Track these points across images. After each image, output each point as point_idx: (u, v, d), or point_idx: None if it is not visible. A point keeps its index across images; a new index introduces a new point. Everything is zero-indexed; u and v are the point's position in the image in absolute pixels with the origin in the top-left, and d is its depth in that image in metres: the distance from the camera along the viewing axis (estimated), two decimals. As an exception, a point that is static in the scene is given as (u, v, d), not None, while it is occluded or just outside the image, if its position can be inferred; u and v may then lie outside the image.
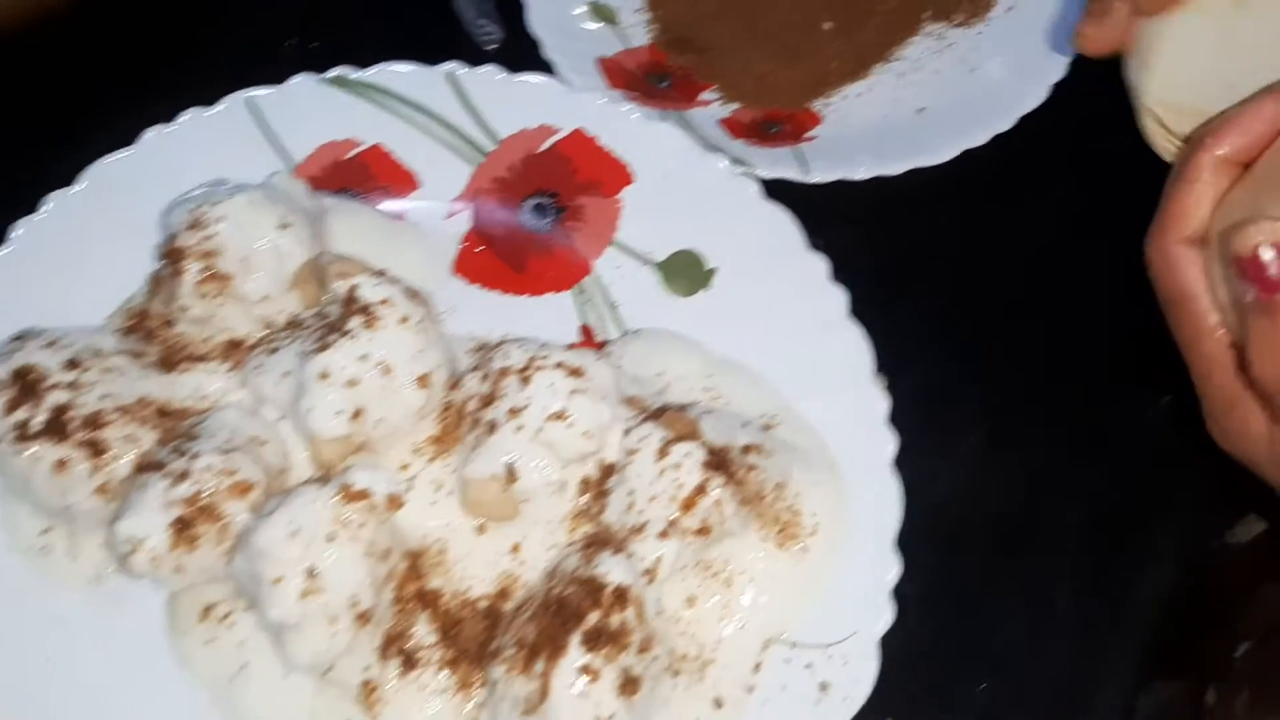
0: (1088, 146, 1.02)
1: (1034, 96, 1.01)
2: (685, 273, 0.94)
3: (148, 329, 0.89)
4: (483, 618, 0.79)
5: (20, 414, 0.78)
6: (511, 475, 0.79)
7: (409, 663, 0.77)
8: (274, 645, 0.77)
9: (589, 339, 0.93)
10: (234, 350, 0.87)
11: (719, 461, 0.77)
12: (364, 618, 0.74)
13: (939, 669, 0.82)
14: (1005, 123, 0.99)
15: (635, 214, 0.96)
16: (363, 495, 0.74)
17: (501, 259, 0.97)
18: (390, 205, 0.98)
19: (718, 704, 0.76)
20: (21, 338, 0.83)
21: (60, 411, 0.79)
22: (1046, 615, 0.84)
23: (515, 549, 0.81)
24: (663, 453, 0.77)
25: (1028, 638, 0.83)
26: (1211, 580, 0.87)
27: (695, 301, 0.93)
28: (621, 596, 0.72)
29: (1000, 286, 0.97)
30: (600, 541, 0.77)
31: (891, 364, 0.87)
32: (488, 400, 0.82)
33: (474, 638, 0.78)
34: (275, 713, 0.77)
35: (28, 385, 0.79)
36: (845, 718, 0.75)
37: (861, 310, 0.89)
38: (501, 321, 0.93)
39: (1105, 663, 0.82)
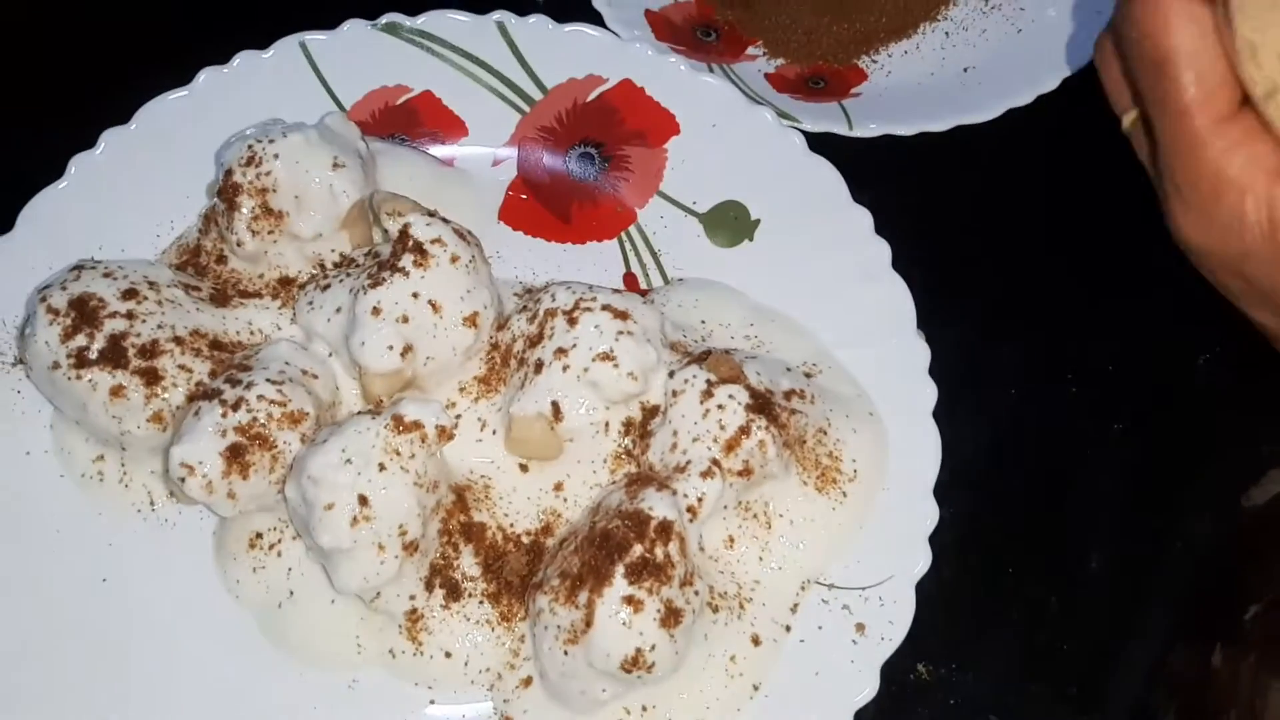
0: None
1: (1078, 58, 1.01)
2: (729, 223, 0.95)
3: (200, 264, 0.90)
4: (525, 552, 0.80)
5: (79, 340, 0.80)
6: (557, 414, 0.81)
7: (453, 593, 0.79)
8: (322, 573, 0.79)
9: (633, 287, 0.94)
10: (285, 287, 0.89)
11: (762, 405, 0.78)
12: (412, 547, 0.76)
13: (970, 618, 0.83)
14: (1050, 84, 0.99)
15: (681, 165, 0.97)
16: (414, 426, 0.76)
17: (546, 207, 0.98)
18: (438, 151, 0.99)
19: (755, 641, 0.77)
20: (79, 268, 0.84)
21: (117, 339, 0.80)
22: (1077, 570, 0.85)
23: (558, 487, 0.83)
24: (707, 394, 0.78)
25: (1057, 592, 0.84)
26: (1228, 544, 0.88)
27: (739, 251, 0.94)
28: (665, 530, 0.73)
29: (1042, 245, 0.98)
30: (644, 479, 0.78)
31: (931, 317, 0.88)
32: (535, 341, 0.83)
33: (516, 571, 0.80)
34: (321, 638, 0.79)
35: (87, 313, 0.81)
36: (882, 658, 0.76)
37: (903, 264, 0.89)
38: (545, 268, 0.94)
39: (1130, 619, 0.83)
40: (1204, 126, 0.54)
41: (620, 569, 0.71)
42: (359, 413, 0.79)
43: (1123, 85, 0.64)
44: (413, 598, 0.78)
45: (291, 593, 0.80)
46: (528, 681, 0.77)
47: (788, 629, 0.78)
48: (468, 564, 0.79)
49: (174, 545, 0.83)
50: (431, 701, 0.78)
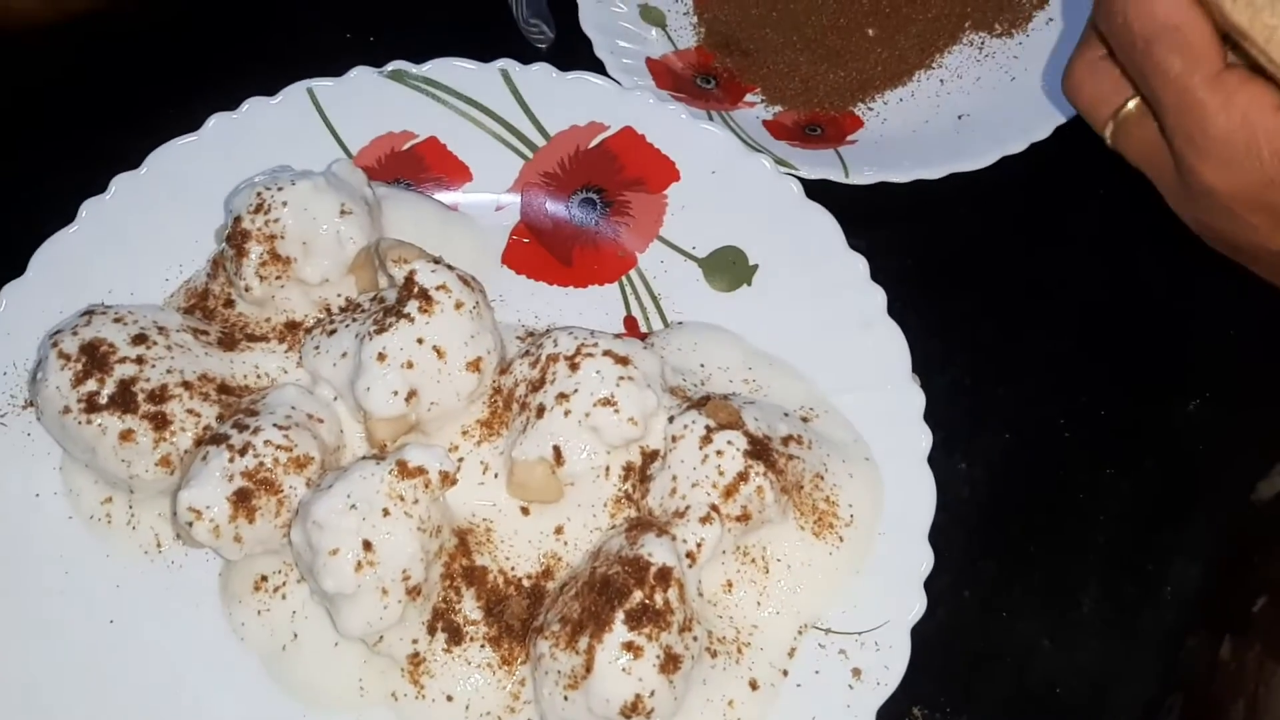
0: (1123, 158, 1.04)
1: (1070, 106, 1.03)
2: (728, 268, 0.96)
3: (208, 309, 0.92)
4: (526, 595, 0.82)
5: (89, 385, 0.81)
6: (558, 458, 0.82)
7: (455, 637, 0.80)
8: (326, 616, 0.80)
9: (633, 330, 0.95)
10: (291, 331, 0.91)
11: (760, 450, 0.80)
12: (415, 591, 0.77)
13: (964, 660, 0.84)
14: (1043, 131, 1.01)
15: (680, 210, 0.99)
16: (418, 472, 0.77)
17: (549, 251, 0.99)
18: (443, 196, 1.01)
19: (753, 686, 0.78)
20: (90, 313, 0.86)
21: (127, 384, 0.82)
22: (1069, 611, 0.86)
23: (559, 530, 0.84)
24: (706, 440, 0.80)
25: (1050, 634, 0.85)
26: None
27: (737, 296, 0.95)
28: (665, 577, 0.74)
29: (1034, 290, 1.00)
30: (643, 524, 0.79)
31: (926, 362, 0.89)
32: (537, 385, 0.84)
33: (517, 615, 0.81)
34: (325, 681, 0.80)
35: (97, 359, 0.82)
36: (877, 703, 0.77)
37: (898, 309, 0.91)
38: (548, 311, 0.96)
39: (1123, 661, 0.84)
40: (1205, 83, 0.60)
41: (620, 615, 0.72)
42: (363, 458, 0.81)
43: (1102, 94, 0.69)
44: (415, 641, 0.79)
45: (295, 635, 0.81)
46: (528, 725, 0.78)
47: (785, 673, 0.79)
48: (469, 607, 0.80)
49: (180, 587, 0.84)
50: (433, 744, 0.79)
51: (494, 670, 0.79)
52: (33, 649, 0.80)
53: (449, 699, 0.79)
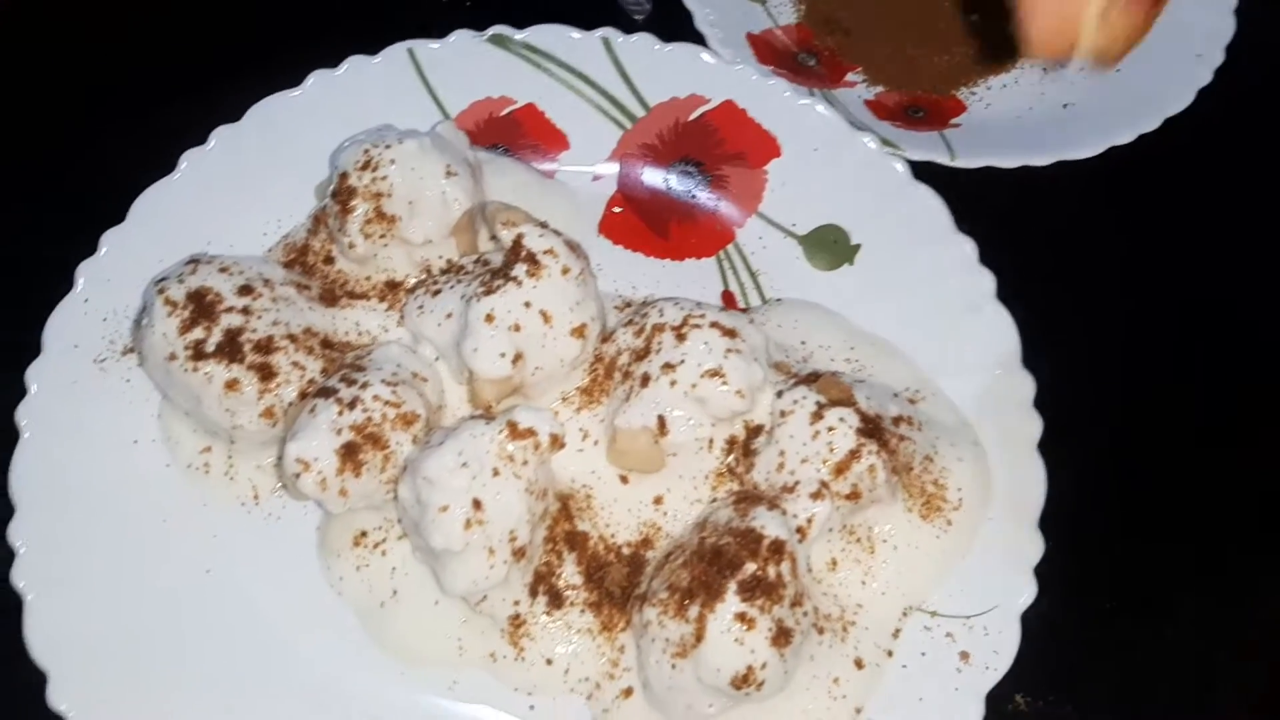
0: (1231, 150, 1.03)
1: (1180, 100, 1.02)
2: (829, 247, 0.95)
3: (307, 264, 0.91)
4: (626, 564, 0.81)
5: (196, 333, 0.81)
6: (662, 428, 0.81)
7: (556, 600, 0.79)
8: (427, 574, 0.79)
9: (731, 305, 0.94)
10: (392, 290, 0.90)
11: (873, 429, 0.79)
12: (520, 553, 0.76)
13: (1067, 651, 0.83)
14: (1151, 123, 1.00)
15: (781, 187, 0.98)
16: (528, 433, 0.76)
17: (646, 222, 0.99)
18: (539, 163, 1.00)
19: (859, 664, 0.77)
20: (195, 261, 0.85)
21: (234, 334, 0.81)
22: (1174, 611, 0.85)
23: (658, 500, 0.83)
24: (817, 416, 0.79)
25: (1154, 632, 0.84)
26: None
27: (838, 275, 0.94)
28: (778, 549, 0.73)
29: (1141, 281, 0.98)
30: (752, 498, 0.78)
31: (1028, 349, 0.88)
32: (641, 354, 0.84)
33: (617, 582, 0.80)
34: (423, 639, 0.80)
35: (204, 307, 0.82)
36: (987, 687, 0.76)
37: (1002, 295, 0.90)
38: (644, 283, 0.95)
39: (1226, 664, 0.83)
40: None
41: (733, 585, 0.72)
42: (471, 417, 0.80)
43: None
44: (517, 603, 0.78)
45: (395, 592, 0.80)
46: (628, 692, 0.77)
47: (890, 654, 0.78)
48: (570, 572, 0.80)
49: (277, 540, 0.83)
50: (531, 707, 0.78)
51: (594, 636, 0.79)
52: (129, 595, 0.80)
53: (548, 662, 0.78)
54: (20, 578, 0.79)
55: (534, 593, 0.79)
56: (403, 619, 0.80)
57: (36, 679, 0.76)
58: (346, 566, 0.81)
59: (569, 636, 0.79)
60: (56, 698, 0.76)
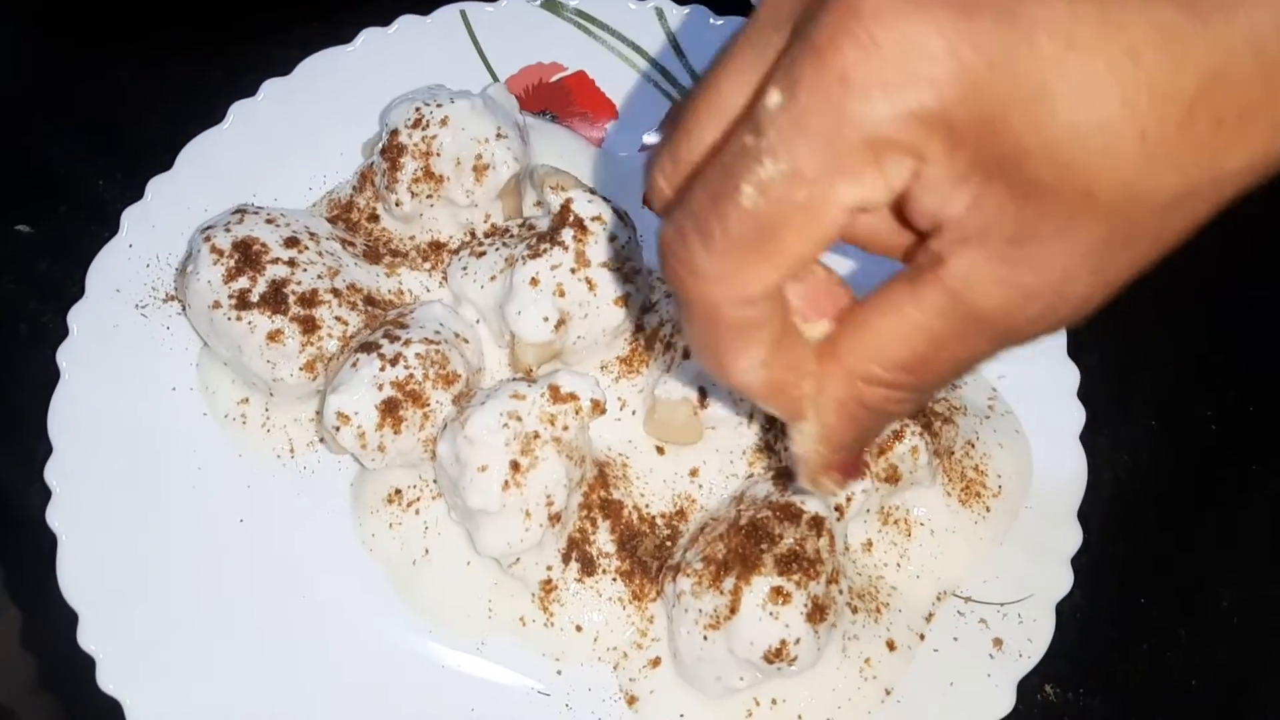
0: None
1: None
2: (876, 229, 0.94)
3: (351, 220, 0.91)
4: (660, 535, 0.81)
5: (241, 282, 0.81)
6: (703, 399, 0.81)
7: (588, 567, 0.79)
8: (460, 535, 0.79)
9: (774, 283, 0.93)
10: (435, 251, 0.90)
11: (916, 411, 0.78)
12: (556, 517, 0.76)
13: (1100, 643, 0.82)
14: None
15: (830, 166, 0.97)
16: (570, 398, 0.76)
17: (691, 196, 0.98)
18: (586, 131, 0.99)
19: (890, 646, 0.77)
20: (242, 211, 0.85)
21: (279, 285, 0.81)
22: (1209, 606, 0.84)
23: (693, 473, 0.83)
24: (861, 395, 0.78)
25: (1188, 625, 0.83)
26: None
27: (886, 261, 0.93)
28: (817, 525, 0.73)
29: (1190, 276, 0.96)
30: (791, 473, 0.78)
31: (1072, 340, 0.87)
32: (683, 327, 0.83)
33: (650, 552, 0.80)
34: (454, 599, 0.80)
35: (250, 257, 0.82)
36: (1019, 675, 0.75)
37: (1050, 286, 0.88)
38: (688, 256, 0.94)
39: (1262, 660, 0.82)
40: None
41: (770, 559, 0.71)
42: (513, 379, 0.80)
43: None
44: (549, 568, 0.78)
45: (427, 551, 0.80)
46: (656, 662, 0.77)
47: (922, 637, 0.77)
48: (603, 540, 0.79)
49: (312, 493, 0.83)
50: (558, 673, 0.78)
51: (624, 604, 0.78)
52: (161, 541, 0.80)
53: (578, 629, 0.78)
54: (55, 517, 0.79)
55: (567, 558, 0.79)
56: (434, 578, 0.80)
57: (67, 618, 0.76)
58: (379, 523, 0.81)
59: (599, 604, 0.78)
60: (86, 638, 0.76)
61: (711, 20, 1.00)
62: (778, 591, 0.70)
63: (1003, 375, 0.85)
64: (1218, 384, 0.92)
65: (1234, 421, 0.90)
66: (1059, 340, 0.85)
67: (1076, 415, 0.82)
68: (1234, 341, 0.94)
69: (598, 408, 0.77)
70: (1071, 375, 0.84)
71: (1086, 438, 0.83)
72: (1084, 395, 0.85)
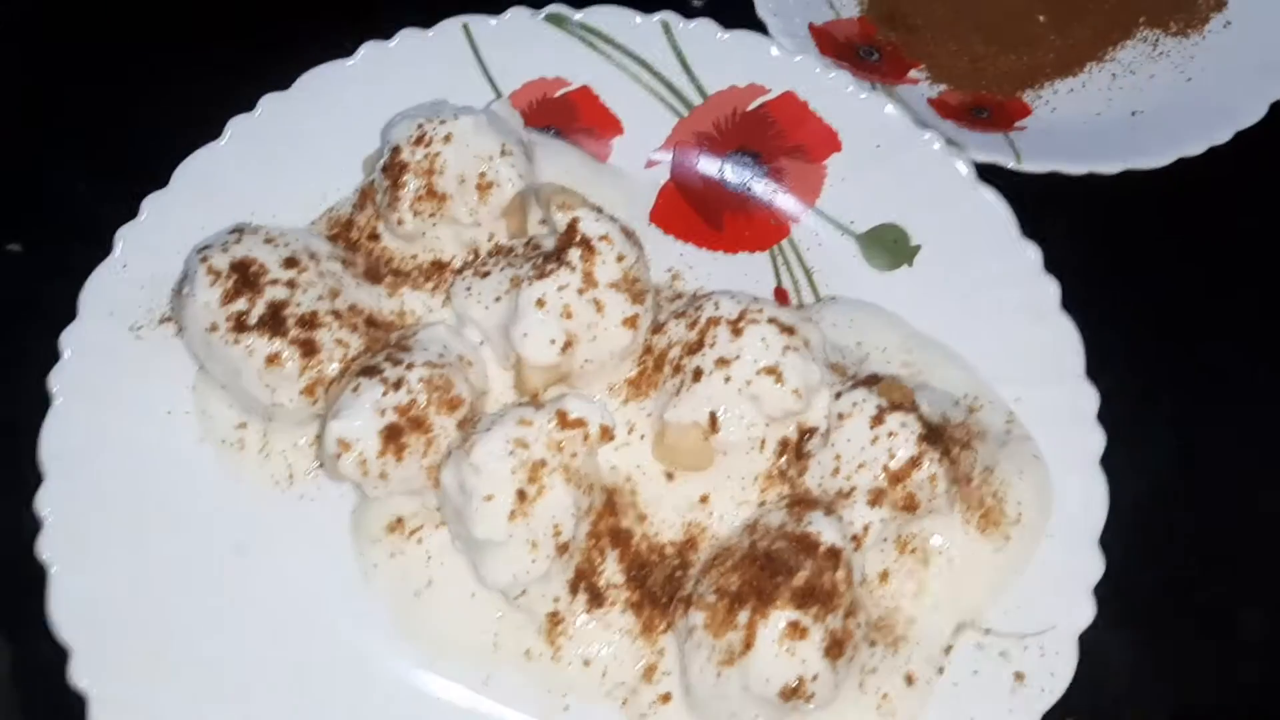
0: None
1: (1252, 112, 0.99)
2: (888, 246, 0.92)
3: (351, 239, 0.89)
4: (670, 564, 0.78)
5: (239, 304, 0.79)
6: (714, 424, 0.79)
7: (596, 599, 0.77)
8: (464, 564, 0.77)
9: (784, 301, 0.91)
10: (438, 270, 0.88)
11: (934, 436, 0.76)
12: (563, 548, 0.74)
13: (1122, 674, 0.80)
14: (1223, 135, 0.97)
15: (840, 183, 0.95)
16: (578, 424, 0.74)
17: (699, 212, 0.96)
18: (591, 147, 0.97)
19: (909, 680, 0.74)
20: (240, 230, 0.83)
21: (278, 307, 0.79)
22: (1233, 635, 0.82)
23: (703, 500, 0.81)
24: (878, 420, 0.76)
25: (1213, 656, 0.81)
26: None
27: (896, 276, 0.91)
28: (834, 557, 0.71)
29: (1209, 296, 0.95)
30: (806, 502, 0.76)
31: (1091, 360, 0.85)
32: (694, 348, 0.81)
33: (660, 583, 0.77)
34: (458, 631, 0.77)
35: (248, 278, 0.79)
36: (1042, 709, 0.73)
37: (1066, 304, 0.87)
38: (695, 275, 0.93)
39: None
40: None
41: (786, 592, 0.69)
42: (520, 403, 0.77)
43: None
44: (556, 600, 0.76)
45: (430, 582, 0.78)
46: (666, 698, 0.75)
47: (941, 670, 0.75)
48: (612, 570, 0.77)
49: (311, 521, 0.81)
50: (566, 709, 0.75)
51: (634, 638, 0.76)
52: (156, 571, 0.78)
53: (585, 663, 0.76)
54: (46, 549, 0.77)
55: (574, 590, 0.76)
56: (437, 610, 0.78)
57: (59, 654, 0.74)
58: (381, 553, 0.79)
59: (608, 637, 0.76)
60: (78, 675, 0.74)
61: (718, 35, 0.98)
62: (794, 626, 0.68)
63: (1019, 398, 0.83)
64: (1240, 403, 0.90)
65: (1259, 443, 0.88)
66: (1078, 363, 0.83)
67: (1096, 439, 0.80)
68: (1255, 361, 0.92)
69: (606, 434, 0.75)
70: (1091, 398, 0.82)
71: (1106, 460, 0.81)
72: (1103, 417, 0.82)
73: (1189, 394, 0.90)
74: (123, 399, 0.82)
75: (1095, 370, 0.85)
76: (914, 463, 0.75)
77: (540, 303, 0.79)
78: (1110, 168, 0.95)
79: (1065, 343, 0.85)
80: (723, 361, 0.79)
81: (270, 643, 0.77)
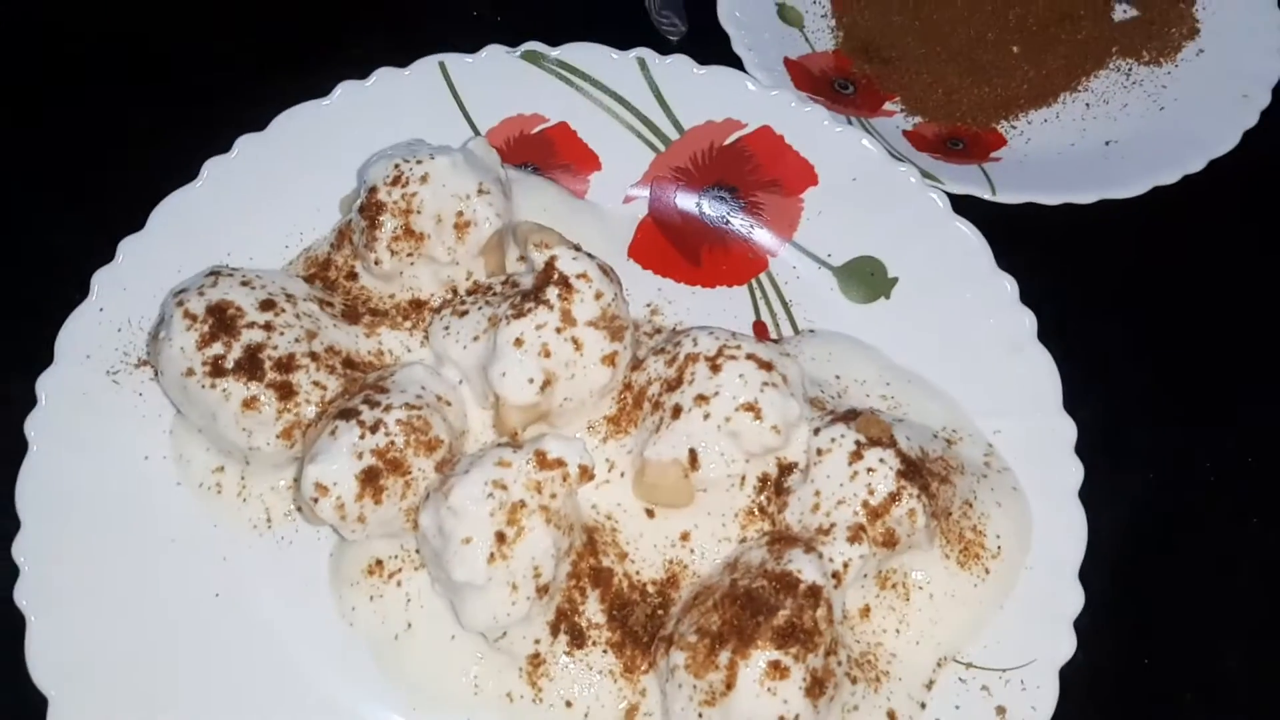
0: (1277, 194, 1.01)
1: (1225, 141, 1.00)
2: (865, 279, 0.93)
3: (328, 279, 0.89)
4: (651, 603, 0.78)
5: (215, 349, 0.78)
6: (694, 461, 0.79)
7: (578, 640, 0.76)
8: (443, 607, 0.76)
9: (762, 335, 0.92)
10: (416, 310, 0.87)
11: (913, 471, 0.76)
12: (543, 589, 0.73)
13: (1104, 707, 0.80)
14: (1196, 164, 0.98)
15: (817, 216, 0.95)
16: (557, 464, 0.74)
17: (676, 247, 0.96)
18: (569, 183, 0.97)
19: (891, 717, 0.74)
20: (216, 273, 0.83)
21: (255, 351, 0.79)
22: (1214, 665, 0.82)
23: (684, 537, 0.81)
24: (856, 456, 0.76)
25: (1194, 688, 0.81)
26: None
27: (873, 309, 0.92)
28: (815, 595, 0.70)
29: (1184, 326, 0.96)
30: (786, 539, 0.76)
31: (1071, 392, 0.85)
32: (673, 385, 0.81)
33: (641, 622, 0.77)
34: (438, 675, 0.77)
35: (224, 321, 0.79)
36: (1024, 745, 0.73)
37: (1043, 335, 0.87)
38: (674, 310, 0.93)
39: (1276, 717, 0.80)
40: None
41: (767, 632, 0.69)
42: (498, 444, 0.77)
43: None
44: (537, 641, 0.76)
45: (410, 625, 0.77)
46: (649, 738, 0.74)
47: (923, 706, 0.75)
48: (593, 610, 0.77)
49: (289, 565, 0.81)
50: (548, 750, 0.75)
51: (616, 678, 0.76)
52: (135, 618, 0.77)
53: (568, 704, 0.75)
54: (23, 597, 0.76)
55: (555, 631, 0.76)
56: (417, 653, 0.77)
57: (37, 701, 0.73)
58: (360, 596, 0.79)
59: (590, 678, 0.76)
60: (56, 723, 0.73)
61: (694, 70, 0.98)
62: (775, 666, 0.68)
63: (999, 430, 0.83)
64: (1217, 434, 0.90)
65: (1234, 472, 0.89)
66: (1055, 394, 0.84)
67: (1075, 471, 0.81)
68: (1231, 391, 0.93)
69: (586, 474, 0.75)
70: (1069, 430, 0.82)
71: (1083, 492, 0.81)
72: (1080, 449, 0.82)
73: (1167, 423, 0.90)
74: (100, 444, 0.82)
75: (1073, 401, 0.85)
76: (893, 498, 0.75)
77: (518, 342, 0.79)
78: (1085, 198, 0.95)
79: (1042, 374, 0.85)
80: (701, 398, 0.79)
81: (249, 687, 0.77)
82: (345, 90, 0.96)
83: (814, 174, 0.96)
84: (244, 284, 0.82)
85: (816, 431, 0.79)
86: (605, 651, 0.76)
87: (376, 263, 0.85)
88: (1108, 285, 0.97)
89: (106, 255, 0.88)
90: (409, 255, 0.85)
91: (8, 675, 0.75)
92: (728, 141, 0.98)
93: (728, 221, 0.96)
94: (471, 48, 0.99)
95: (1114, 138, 1.02)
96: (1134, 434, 0.90)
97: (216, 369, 0.78)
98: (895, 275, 0.92)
